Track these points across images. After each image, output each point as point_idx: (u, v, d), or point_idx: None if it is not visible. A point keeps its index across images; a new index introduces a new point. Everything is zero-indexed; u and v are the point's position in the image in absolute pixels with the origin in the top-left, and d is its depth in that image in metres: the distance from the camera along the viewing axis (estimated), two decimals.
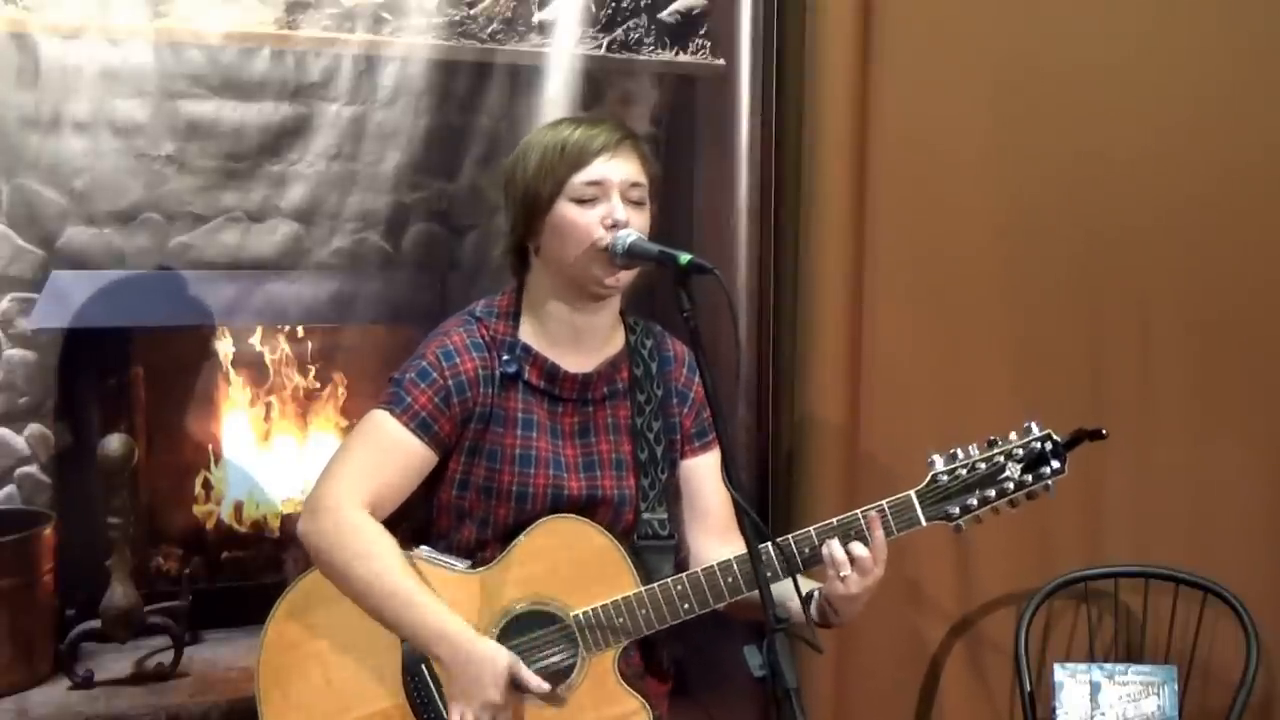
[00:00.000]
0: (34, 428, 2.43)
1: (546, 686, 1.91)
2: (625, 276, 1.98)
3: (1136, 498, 2.97)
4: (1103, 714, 2.80)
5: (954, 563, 2.93)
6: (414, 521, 2.04)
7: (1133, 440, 2.90)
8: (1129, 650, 2.93)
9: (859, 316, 2.84)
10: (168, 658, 2.54)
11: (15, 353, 2.40)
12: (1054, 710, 2.81)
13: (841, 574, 1.89)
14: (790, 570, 1.86)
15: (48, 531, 2.46)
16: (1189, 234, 2.94)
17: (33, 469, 2.43)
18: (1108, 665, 2.84)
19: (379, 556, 1.93)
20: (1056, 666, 2.84)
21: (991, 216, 2.91)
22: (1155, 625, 2.90)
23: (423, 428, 1.97)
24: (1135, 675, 2.82)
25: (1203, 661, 2.86)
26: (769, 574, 1.83)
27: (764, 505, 2.85)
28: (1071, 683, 2.82)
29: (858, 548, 1.90)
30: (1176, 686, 2.81)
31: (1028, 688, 2.78)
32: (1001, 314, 2.93)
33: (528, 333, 2.04)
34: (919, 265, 2.89)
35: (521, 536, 1.97)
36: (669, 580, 1.95)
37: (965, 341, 2.90)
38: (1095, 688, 2.81)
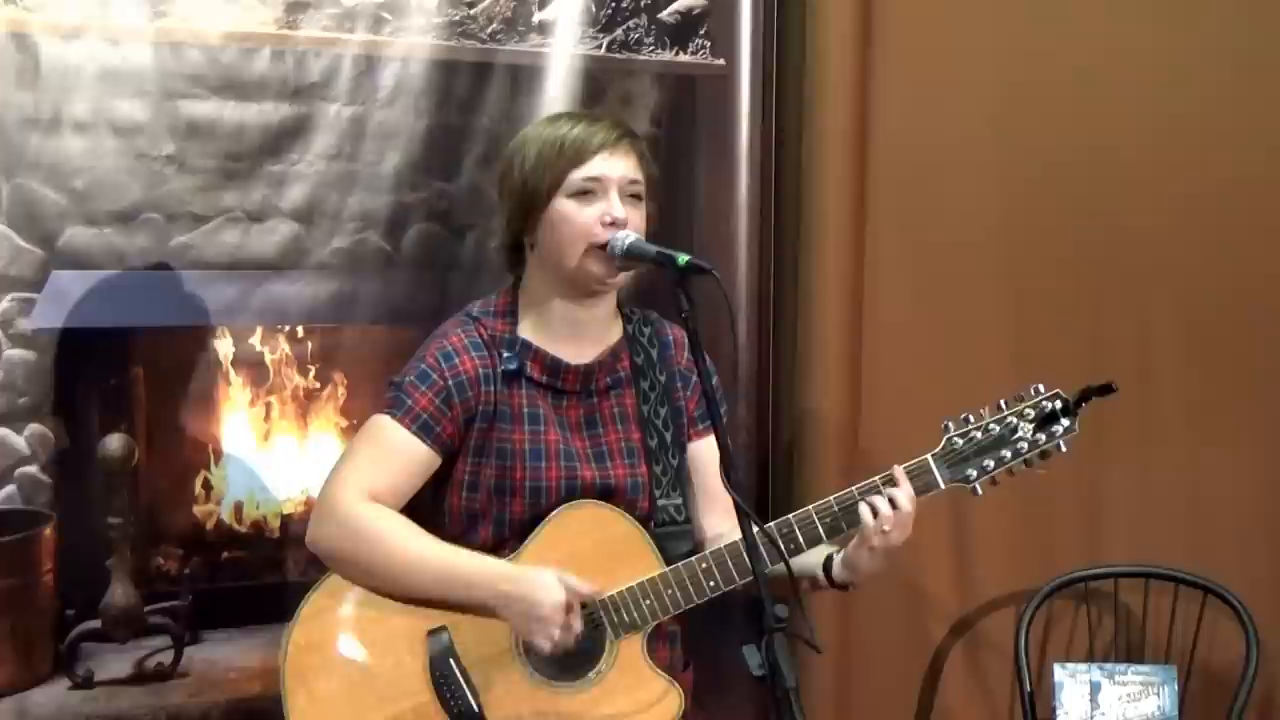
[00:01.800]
0: (34, 428, 2.43)
1: (589, 589, 1.91)
2: (623, 275, 1.98)
3: (1136, 498, 2.97)
4: (1103, 714, 2.80)
5: (954, 563, 2.93)
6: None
7: (1133, 440, 2.90)
8: (1129, 650, 2.93)
9: (859, 316, 2.84)
10: (168, 658, 2.53)
11: (15, 353, 2.40)
12: (1054, 710, 2.81)
13: (885, 527, 1.91)
14: (784, 556, 1.86)
15: (48, 531, 2.45)
16: (1189, 234, 2.95)
17: (33, 469, 2.43)
18: (1108, 665, 2.85)
19: (392, 534, 1.93)
20: (1056, 666, 2.84)
21: (991, 216, 2.91)
22: (1155, 625, 2.90)
23: (424, 430, 1.97)
24: (1135, 675, 2.82)
25: (1203, 661, 2.86)
26: (791, 547, 1.90)
27: (764, 504, 2.85)
28: (1071, 683, 2.82)
29: (898, 494, 1.93)
30: (1176, 686, 2.81)
31: (1028, 688, 2.78)
32: (1001, 313, 2.93)
33: (526, 329, 2.04)
34: (919, 265, 2.89)
35: (544, 524, 1.98)
36: (693, 559, 1.96)
37: (965, 341, 2.90)
38: (1095, 688, 2.81)
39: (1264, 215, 2.96)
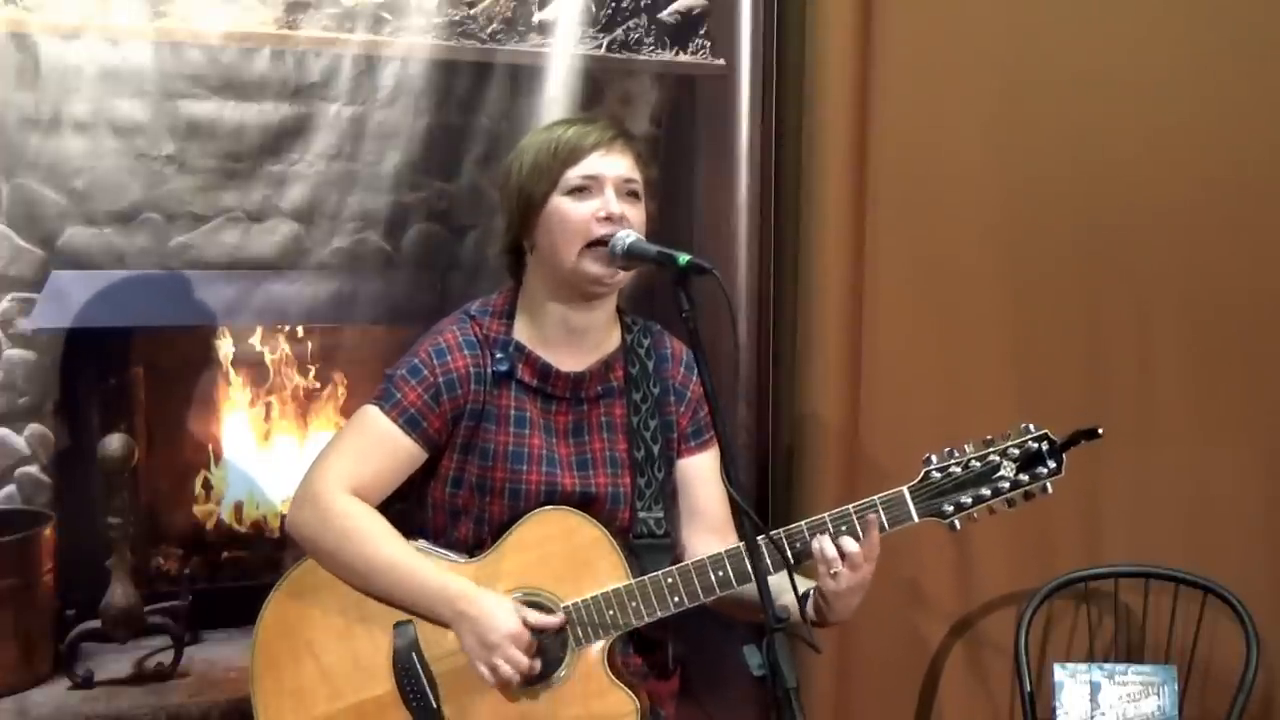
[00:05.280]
0: (34, 428, 2.43)
1: (554, 620, 1.92)
2: (622, 275, 1.98)
3: (1136, 498, 2.97)
4: (1103, 714, 2.80)
5: (954, 563, 2.93)
6: (408, 522, 2.04)
7: (1133, 440, 2.90)
8: (1129, 650, 2.93)
9: (859, 316, 2.84)
10: (168, 658, 2.54)
11: (15, 353, 2.40)
12: (1054, 710, 2.81)
13: (832, 570, 1.88)
14: (784, 565, 1.82)
15: (48, 531, 2.46)
16: (1189, 234, 2.95)
17: (33, 469, 2.43)
18: (1108, 665, 2.84)
19: (368, 534, 1.95)
20: (1056, 666, 2.84)
21: (991, 216, 2.91)
22: (1155, 625, 2.90)
23: (411, 424, 1.98)
24: (1135, 675, 2.82)
25: (1203, 661, 2.86)
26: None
27: (763, 505, 2.85)
28: (1071, 683, 2.82)
29: (848, 542, 1.89)
30: (1176, 686, 2.81)
31: (1028, 688, 2.78)
32: (1001, 314, 2.93)
33: (522, 332, 2.04)
34: (919, 265, 2.89)
35: (515, 527, 1.98)
36: (659, 573, 1.95)
37: (965, 341, 2.91)
38: (1095, 688, 2.81)
39: (1264, 215, 2.96)
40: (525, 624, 1.90)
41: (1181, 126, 2.92)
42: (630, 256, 1.91)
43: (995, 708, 2.98)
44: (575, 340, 2.04)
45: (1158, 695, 2.80)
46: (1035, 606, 2.82)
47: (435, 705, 1.93)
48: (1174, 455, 2.97)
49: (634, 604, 1.94)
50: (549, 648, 1.94)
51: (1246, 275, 2.96)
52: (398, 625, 1.95)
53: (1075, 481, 2.87)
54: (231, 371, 2.59)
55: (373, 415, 2.00)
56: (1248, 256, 2.96)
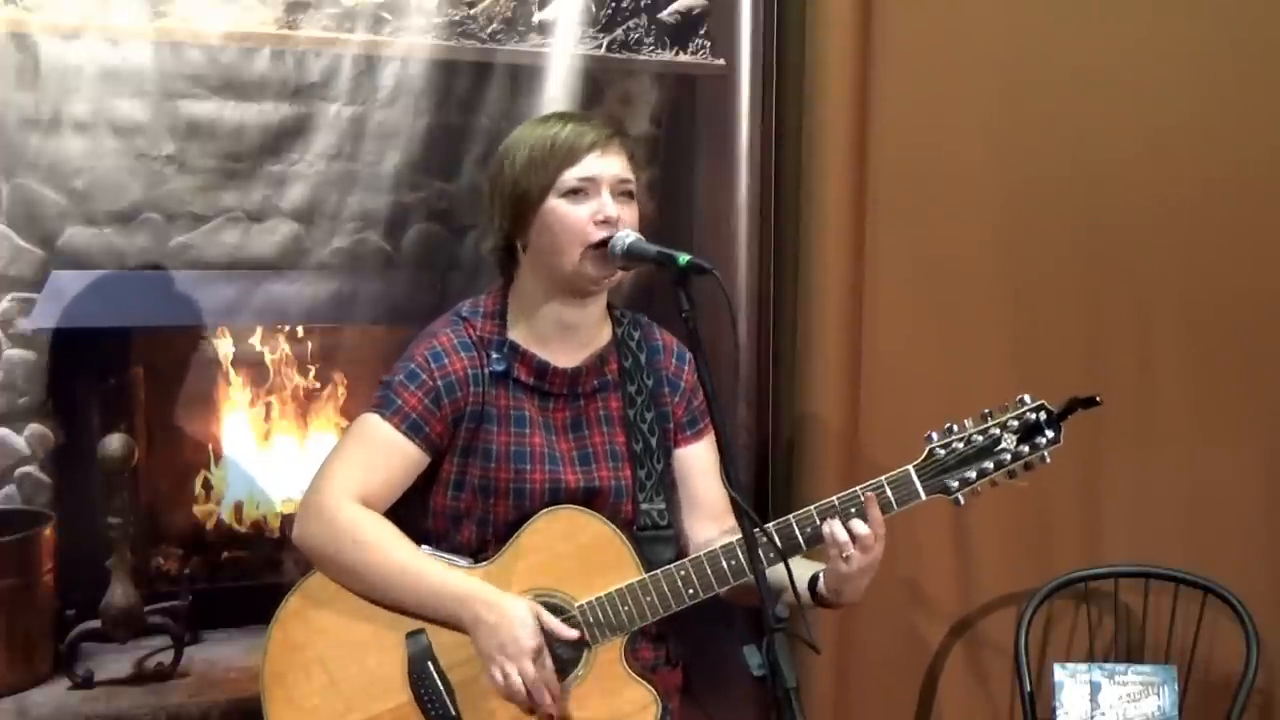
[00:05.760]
0: (34, 428, 2.43)
1: (573, 633, 1.92)
2: (620, 274, 1.98)
3: (1136, 498, 2.97)
4: (1103, 714, 2.80)
5: (954, 563, 2.93)
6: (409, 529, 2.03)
7: (1133, 440, 2.90)
8: (1129, 650, 2.93)
9: (859, 316, 2.84)
10: (168, 658, 2.54)
11: (15, 353, 2.40)
12: (1054, 710, 2.81)
13: (845, 554, 1.89)
14: (785, 554, 1.83)
15: (48, 531, 2.46)
16: (1189, 233, 2.95)
17: (33, 469, 2.43)
18: (1108, 665, 2.84)
19: (379, 541, 1.94)
20: (1056, 666, 2.84)
21: (991, 216, 2.91)
22: (1155, 625, 2.90)
23: (413, 429, 1.97)
24: (1135, 675, 2.82)
25: (1203, 661, 2.86)
26: (766, 556, 1.83)
27: (763, 506, 2.85)
28: (1071, 683, 2.82)
29: (858, 525, 1.90)
30: (1176, 686, 2.81)
31: (1028, 688, 2.78)
32: (1001, 313, 2.93)
33: (515, 331, 2.04)
34: (919, 265, 2.89)
35: (523, 529, 1.98)
36: (672, 566, 1.95)
37: (965, 341, 2.91)
38: (1095, 688, 2.81)
39: (1264, 215, 2.97)
40: (541, 625, 1.90)
41: (1181, 126, 2.92)
42: (630, 257, 1.91)
43: (995, 708, 2.98)
44: (569, 336, 2.04)
45: (1158, 695, 2.80)
46: (1035, 606, 2.82)
47: (454, 713, 1.92)
48: (1174, 455, 2.97)
49: (649, 599, 1.94)
50: (564, 649, 1.94)
51: (1246, 275, 2.97)
52: (410, 635, 1.94)
53: (1075, 481, 2.91)
54: (231, 371, 2.59)
55: (373, 423, 1.99)
56: (1248, 256, 2.97)
